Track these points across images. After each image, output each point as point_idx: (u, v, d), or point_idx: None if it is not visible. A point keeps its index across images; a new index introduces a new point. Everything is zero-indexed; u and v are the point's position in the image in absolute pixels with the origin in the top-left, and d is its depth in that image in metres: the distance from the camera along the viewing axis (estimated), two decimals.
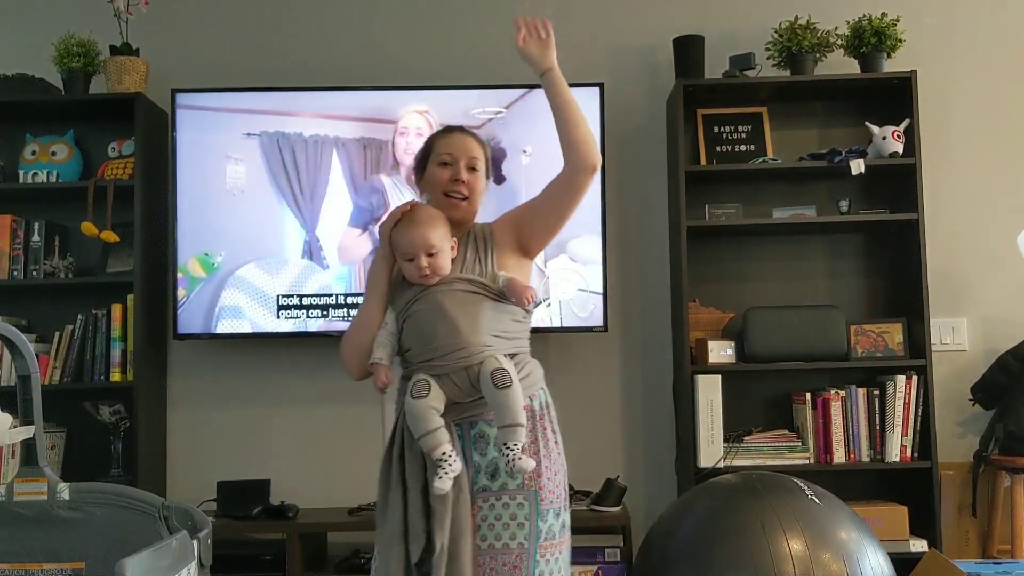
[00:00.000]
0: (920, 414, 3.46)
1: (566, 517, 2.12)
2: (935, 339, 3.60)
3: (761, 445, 3.48)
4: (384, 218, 2.20)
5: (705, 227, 3.60)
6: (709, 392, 3.44)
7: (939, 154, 3.70)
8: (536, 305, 2.20)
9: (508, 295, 2.10)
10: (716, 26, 3.77)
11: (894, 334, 3.55)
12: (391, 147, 3.65)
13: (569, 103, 2.14)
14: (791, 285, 3.74)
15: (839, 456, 3.45)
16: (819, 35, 3.59)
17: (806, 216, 3.64)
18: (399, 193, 3.64)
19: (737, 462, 3.43)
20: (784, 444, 3.49)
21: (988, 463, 3.52)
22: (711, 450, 3.42)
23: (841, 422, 3.46)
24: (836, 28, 3.63)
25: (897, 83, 3.56)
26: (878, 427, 3.47)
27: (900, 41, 3.56)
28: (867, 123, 3.56)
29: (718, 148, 3.71)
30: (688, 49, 3.62)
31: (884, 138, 3.50)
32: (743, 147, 3.70)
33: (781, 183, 3.75)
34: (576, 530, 3.35)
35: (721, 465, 3.39)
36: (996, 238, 3.71)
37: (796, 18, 3.59)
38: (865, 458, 3.46)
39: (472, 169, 2.18)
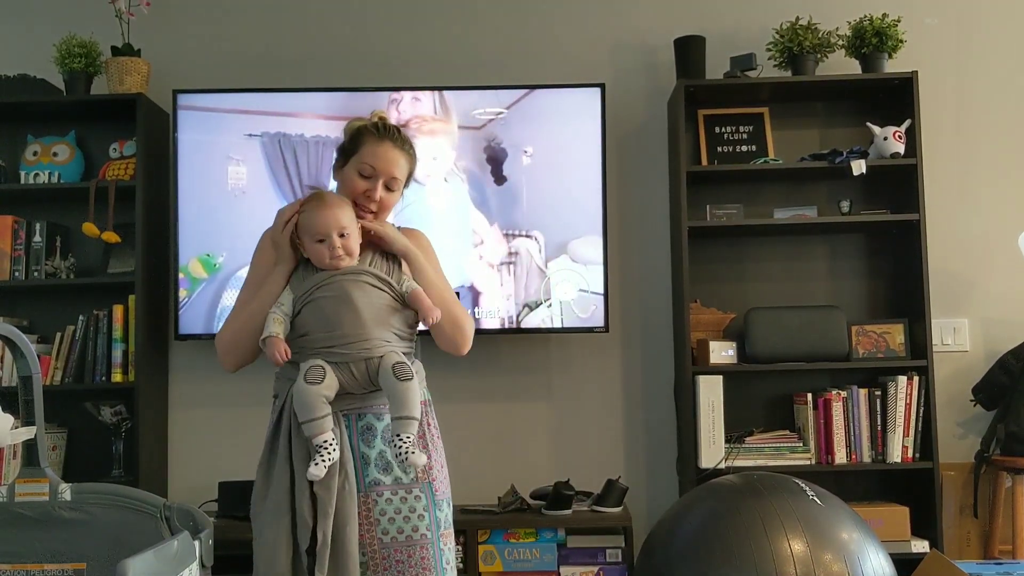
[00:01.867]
0: (921, 415, 3.45)
1: (449, 511, 2.20)
2: (936, 340, 3.60)
3: (762, 446, 3.47)
4: (277, 217, 2.18)
5: (706, 227, 3.60)
6: (710, 393, 3.44)
7: (940, 154, 3.70)
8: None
9: (411, 304, 2.15)
10: (717, 27, 3.77)
11: (895, 335, 3.54)
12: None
13: (434, 285, 2.24)
14: (792, 286, 3.74)
15: (840, 457, 3.45)
16: (820, 35, 3.59)
17: (807, 217, 3.64)
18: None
19: (738, 463, 3.43)
20: (785, 445, 3.49)
21: (989, 464, 3.52)
22: (712, 451, 3.42)
23: (842, 423, 3.46)
24: (837, 28, 3.63)
25: (898, 83, 3.56)
26: (879, 428, 3.47)
27: (901, 41, 3.56)
28: (868, 123, 3.56)
29: (719, 149, 3.71)
30: (689, 50, 3.62)
31: (885, 139, 3.50)
32: (744, 148, 3.70)
33: (782, 184, 3.75)
34: (577, 531, 3.40)
35: (722, 466, 3.39)
36: (997, 239, 3.71)
37: (797, 19, 3.59)
38: (866, 459, 3.46)
39: (388, 189, 2.19)
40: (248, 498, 3.40)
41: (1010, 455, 3.44)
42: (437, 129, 3.64)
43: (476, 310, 3.59)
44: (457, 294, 3.49)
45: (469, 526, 3.35)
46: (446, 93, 3.64)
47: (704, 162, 3.67)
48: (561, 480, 3.43)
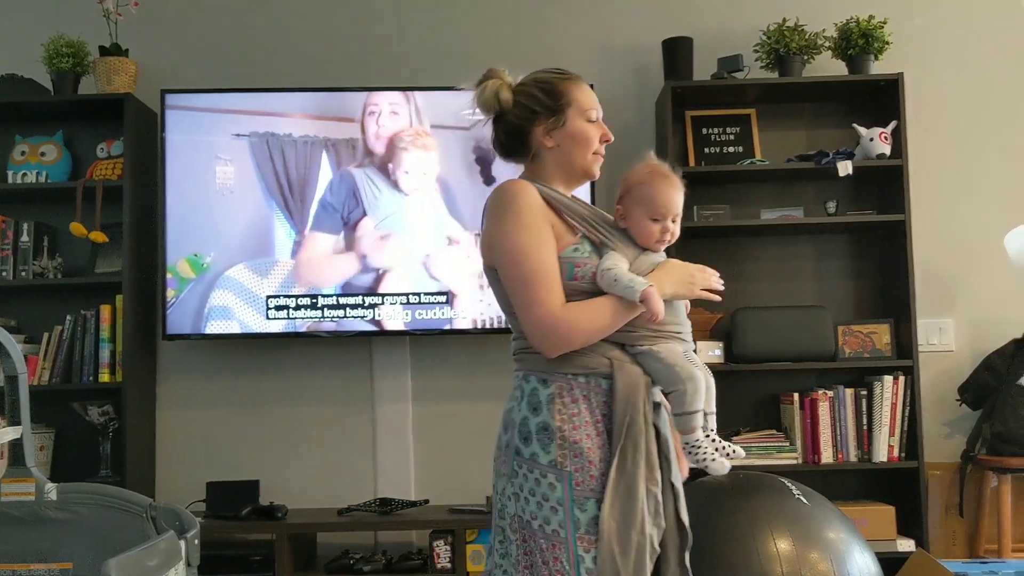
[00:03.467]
0: (907, 414, 3.48)
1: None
2: (922, 340, 3.62)
3: (749, 445, 3.49)
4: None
5: (693, 228, 3.61)
6: None
7: (926, 156, 3.72)
8: None
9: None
10: (705, 28, 3.78)
11: (881, 335, 3.56)
12: (360, 132, 3.64)
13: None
14: (779, 286, 3.76)
15: (827, 456, 3.46)
16: (807, 37, 3.60)
17: (794, 217, 3.66)
18: (372, 187, 3.63)
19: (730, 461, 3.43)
20: (772, 444, 3.51)
21: (975, 463, 3.54)
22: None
23: (829, 422, 3.47)
24: (824, 30, 3.64)
25: (884, 85, 3.58)
26: (865, 427, 3.49)
27: (887, 43, 3.58)
28: (854, 125, 3.58)
29: (706, 150, 3.73)
30: (677, 51, 3.64)
31: (871, 140, 3.52)
32: (731, 148, 3.72)
33: (769, 184, 3.76)
34: None
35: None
36: (983, 239, 3.73)
37: (784, 20, 3.60)
38: (853, 458, 3.48)
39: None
40: (236, 498, 3.47)
41: (996, 454, 3.47)
42: (429, 144, 3.64)
43: (451, 311, 3.60)
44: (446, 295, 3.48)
45: (457, 526, 3.36)
46: (418, 98, 3.65)
47: (691, 163, 3.68)
48: None
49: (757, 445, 3.50)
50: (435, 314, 3.62)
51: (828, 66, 3.70)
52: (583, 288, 1.81)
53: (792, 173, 3.67)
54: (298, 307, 3.61)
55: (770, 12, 3.69)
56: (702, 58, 3.65)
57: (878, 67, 3.61)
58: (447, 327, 3.63)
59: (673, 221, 1.91)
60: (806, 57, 3.63)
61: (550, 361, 1.81)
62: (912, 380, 3.48)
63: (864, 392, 3.50)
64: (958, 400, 3.65)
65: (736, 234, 3.74)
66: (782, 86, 3.62)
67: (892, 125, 3.54)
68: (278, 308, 3.61)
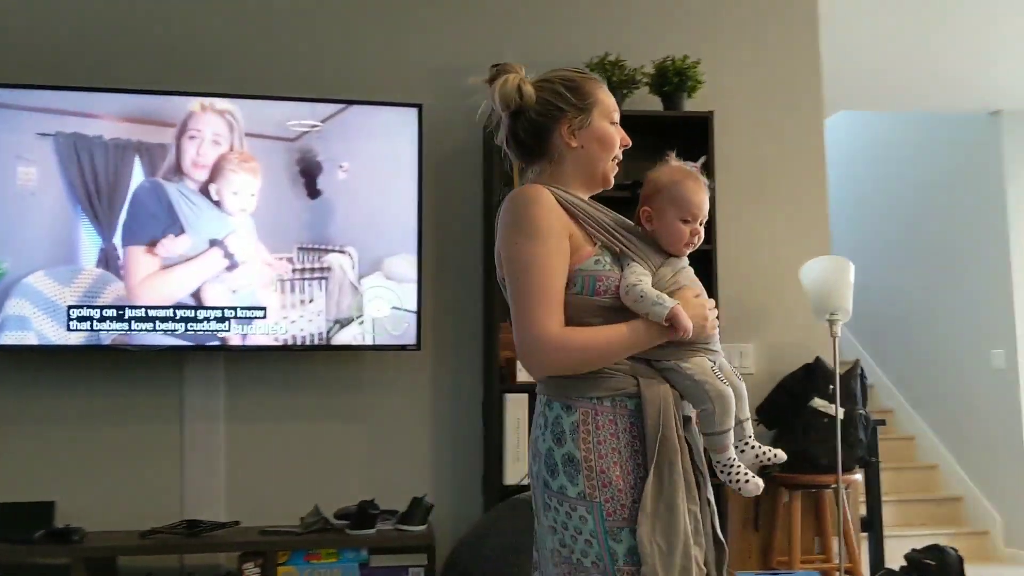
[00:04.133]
0: None
1: None
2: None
3: None
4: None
5: None
6: (517, 410, 3.51)
7: (732, 189, 3.96)
8: None
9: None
10: (534, 56, 3.86)
11: None
12: (175, 150, 3.51)
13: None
14: None
15: None
16: (626, 72, 3.76)
17: None
18: (186, 200, 3.50)
19: None
20: None
21: (770, 480, 3.77)
22: (517, 467, 3.49)
23: None
24: (642, 67, 3.82)
25: (696, 121, 3.78)
26: None
27: (700, 82, 3.79)
28: (667, 158, 3.74)
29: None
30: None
31: None
32: None
33: None
34: (381, 550, 3.37)
35: (525, 482, 3.46)
36: (781, 270, 3.99)
37: (606, 54, 3.75)
38: None
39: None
40: (28, 520, 3.23)
41: (789, 472, 3.71)
42: (252, 167, 3.55)
43: (267, 328, 3.52)
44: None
45: (268, 548, 3.26)
46: (240, 108, 3.57)
47: (516, 185, 3.75)
48: (367, 499, 3.40)
49: None
50: (250, 331, 3.52)
51: (645, 101, 3.87)
52: (605, 304, 1.72)
53: (609, 201, 3.79)
54: (103, 319, 3.42)
55: (594, 45, 3.82)
56: None
57: (691, 104, 3.81)
58: (262, 344, 3.53)
59: (701, 224, 1.85)
60: (626, 91, 3.78)
61: (573, 384, 1.70)
62: None
63: None
64: (756, 420, 3.89)
65: None
66: None
67: (702, 160, 3.74)
68: (80, 319, 3.40)
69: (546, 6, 4.03)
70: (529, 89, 1.82)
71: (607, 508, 1.65)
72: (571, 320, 1.70)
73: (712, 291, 3.67)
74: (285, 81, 3.75)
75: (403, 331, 3.63)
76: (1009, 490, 5.93)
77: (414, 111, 3.66)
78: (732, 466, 1.73)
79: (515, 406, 3.51)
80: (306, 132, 3.59)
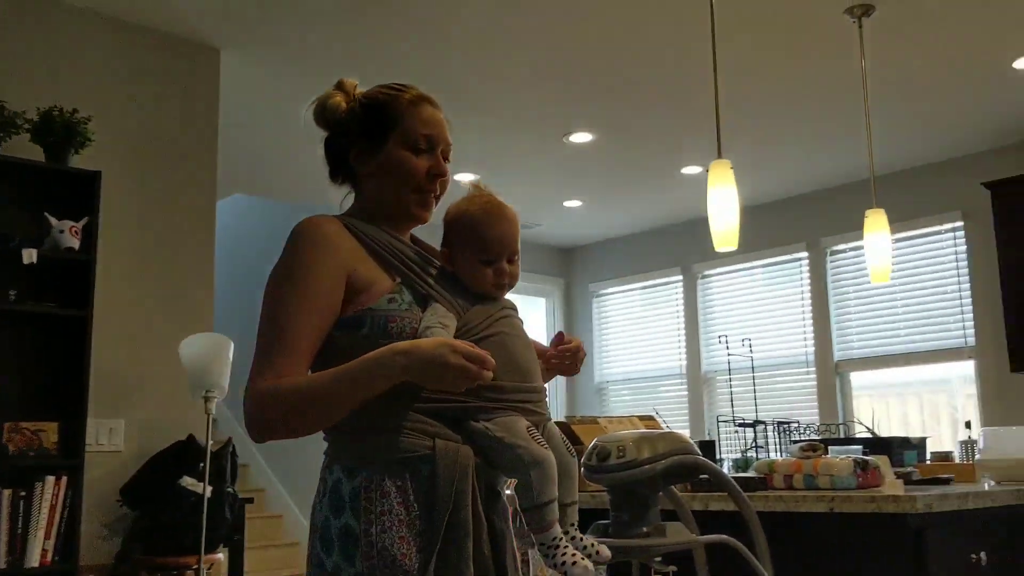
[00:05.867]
0: (67, 516, 3.37)
1: None
2: (91, 440, 3.58)
3: None
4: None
5: None
6: None
7: (116, 254, 3.79)
8: None
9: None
10: None
11: (50, 433, 3.43)
12: None
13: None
14: None
15: None
16: (6, 115, 3.41)
17: None
18: None
19: None
20: None
21: (133, 563, 3.58)
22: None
23: None
24: (25, 112, 3.50)
25: (81, 178, 3.56)
26: (20, 530, 3.27)
27: (90, 139, 3.60)
28: (46, 214, 3.47)
29: None
30: None
31: (62, 231, 3.45)
32: None
33: None
34: None
35: None
36: (158, 342, 3.90)
37: None
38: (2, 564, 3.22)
39: (446, 160, 1.63)
40: None
41: (150, 553, 3.56)
42: None
43: None
44: None
45: None
46: None
47: None
48: None
49: None
50: None
51: (27, 150, 3.54)
52: None
53: None
54: None
55: None
56: None
57: (81, 161, 3.59)
58: None
59: (510, 261, 1.59)
60: (3, 135, 3.43)
61: (356, 444, 1.44)
62: (78, 480, 3.39)
63: (24, 492, 3.29)
64: (119, 501, 3.68)
65: None
66: None
67: (85, 220, 3.52)
68: None
69: None
70: (335, 105, 1.61)
71: None
72: None
73: (83, 359, 3.43)
74: None
75: None
76: None
77: None
78: (557, 546, 1.46)
79: None
80: None
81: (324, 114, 1.60)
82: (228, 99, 4.46)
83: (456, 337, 1.46)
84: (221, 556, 3.95)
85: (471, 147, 5.61)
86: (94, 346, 3.47)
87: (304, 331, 1.44)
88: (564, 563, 1.44)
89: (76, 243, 3.48)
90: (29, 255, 3.34)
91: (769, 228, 6.94)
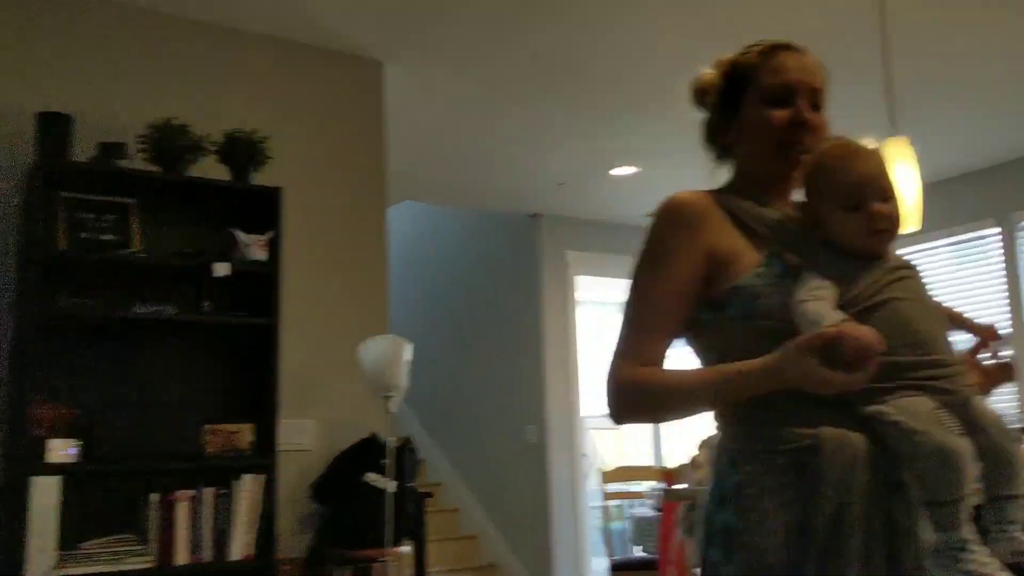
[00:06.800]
0: (264, 512, 3.57)
1: None
2: (283, 439, 3.78)
3: (99, 551, 3.26)
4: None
5: (58, 318, 3.35)
6: (46, 495, 3.15)
7: (297, 264, 3.99)
8: None
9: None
10: (89, 109, 3.62)
11: (245, 434, 3.64)
12: None
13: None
14: (146, 382, 3.65)
15: (182, 557, 3.39)
16: (192, 137, 3.65)
17: (167, 313, 3.61)
18: None
19: (74, 570, 3.17)
20: (124, 548, 3.33)
21: (320, 555, 3.76)
22: (43, 558, 3.12)
23: (187, 522, 3.41)
24: (210, 135, 3.73)
25: (264, 195, 3.76)
26: (223, 526, 3.50)
27: (269, 157, 3.80)
28: (235, 231, 3.68)
29: (81, 235, 3.51)
30: (53, 126, 3.40)
31: (248, 245, 3.66)
32: (107, 236, 3.56)
33: (145, 279, 3.66)
34: None
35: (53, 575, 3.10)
36: (341, 347, 4.08)
37: (169, 119, 3.59)
38: (209, 557, 3.45)
39: (815, 107, 1.47)
40: None
41: (341, 546, 3.73)
42: None
43: None
44: None
45: None
46: None
47: (60, 247, 3.44)
48: None
49: (107, 551, 3.29)
50: None
51: (214, 169, 3.77)
52: (767, 328, 1.32)
53: (168, 269, 3.63)
54: None
55: (159, 107, 3.68)
56: (85, 139, 3.48)
57: (261, 178, 3.79)
58: None
59: (885, 201, 1.36)
60: (191, 157, 3.66)
61: (740, 432, 1.35)
62: (271, 479, 3.59)
63: (225, 491, 3.52)
64: (309, 497, 3.87)
65: (106, 326, 3.55)
66: (165, 181, 3.59)
67: (270, 234, 3.72)
68: None
69: (109, 62, 3.81)
70: (706, 78, 1.53)
71: None
72: (725, 354, 1.35)
73: (273, 364, 3.62)
74: None
75: None
76: (538, 553, 6.53)
77: None
78: (963, 549, 1.21)
79: (44, 490, 3.14)
80: None
81: (694, 94, 1.55)
82: (393, 109, 4.61)
83: (839, 309, 1.28)
84: (406, 549, 4.09)
85: (648, 142, 5.57)
86: (282, 351, 3.66)
87: (662, 315, 1.40)
88: (970, 572, 1.21)
89: (264, 256, 3.67)
90: (221, 268, 3.56)
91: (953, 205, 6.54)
